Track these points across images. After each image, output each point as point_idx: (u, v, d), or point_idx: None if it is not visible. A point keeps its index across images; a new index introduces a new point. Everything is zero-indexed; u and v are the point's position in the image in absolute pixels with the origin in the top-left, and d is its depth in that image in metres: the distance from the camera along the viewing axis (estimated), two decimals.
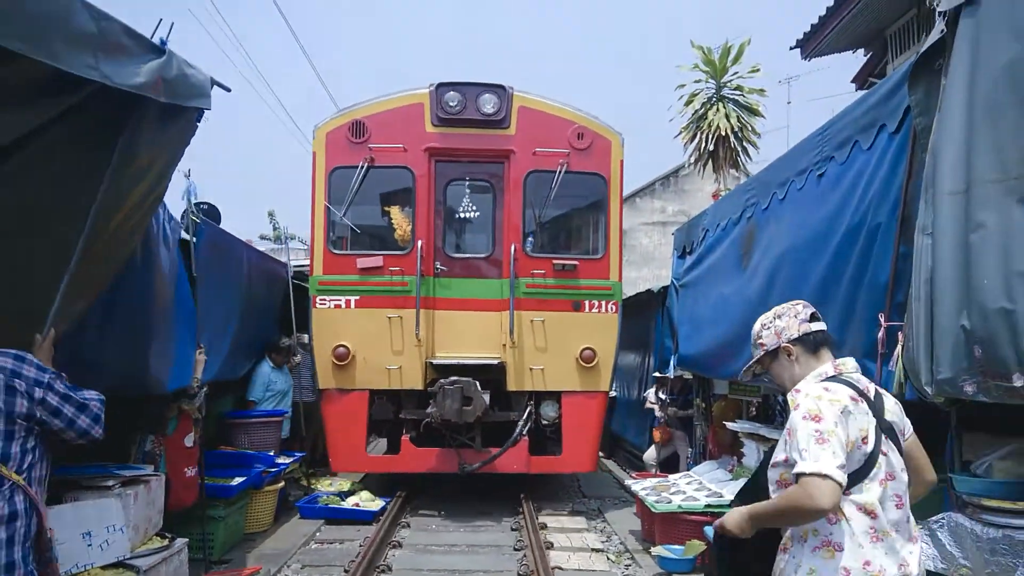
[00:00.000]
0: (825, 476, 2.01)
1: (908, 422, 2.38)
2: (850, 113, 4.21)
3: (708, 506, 5.76)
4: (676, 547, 5.60)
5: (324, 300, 7.04)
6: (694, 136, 12.77)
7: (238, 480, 5.96)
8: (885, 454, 2.21)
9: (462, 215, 7.52)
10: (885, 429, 2.24)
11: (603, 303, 7.23)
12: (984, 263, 2.73)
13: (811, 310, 2.49)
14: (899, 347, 3.31)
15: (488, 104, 7.04)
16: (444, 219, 7.40)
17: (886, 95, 3.77)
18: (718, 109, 12.16)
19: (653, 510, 5.92)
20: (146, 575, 4.40)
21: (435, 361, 7.13)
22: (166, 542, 4.82)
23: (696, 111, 12.58)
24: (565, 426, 7.23)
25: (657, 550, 5.66)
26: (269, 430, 7.19)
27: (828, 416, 2.13)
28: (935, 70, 3.30)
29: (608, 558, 6.08)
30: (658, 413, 8.35)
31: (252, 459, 6.49)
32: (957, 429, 3.25)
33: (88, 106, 2.33)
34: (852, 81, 11.69)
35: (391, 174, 7.10)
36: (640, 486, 6.59)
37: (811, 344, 2.41)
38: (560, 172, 7.08)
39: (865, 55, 11.29)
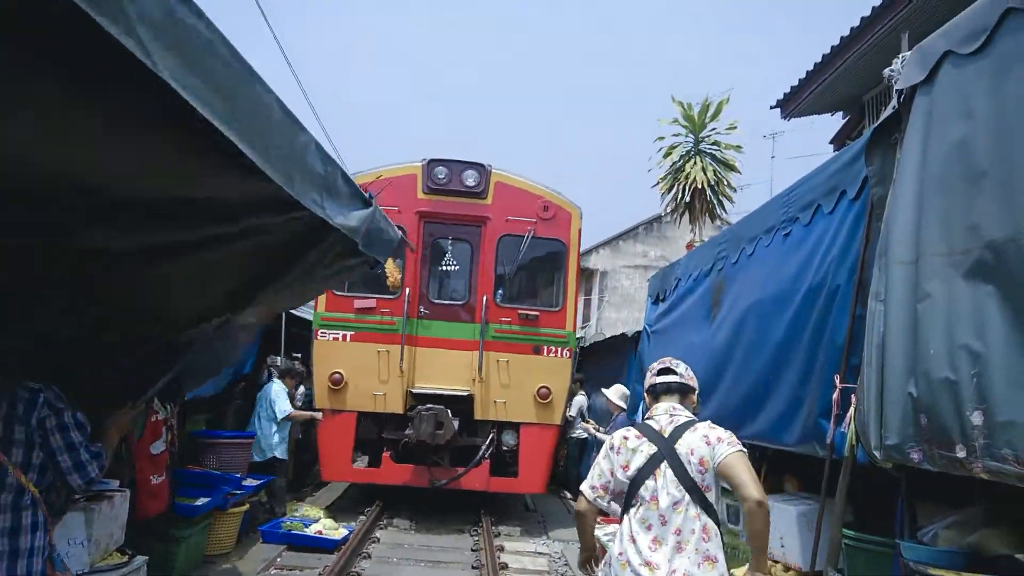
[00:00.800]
0: (582, 492, 3.10)
1: (719, 452, 2.84)
2: (814, 177, 4.42)
3: None
4: None
5: (325, 333, 8.25)
6: (671, 187, 13.11)
7: (203, 500, 5.93)
8: (656, 479, 2.89)
9: (444, 268, 8.73)
10: (670, 459, 2.87)
11: (559, 349, 8.45)
12: (930, 333, 2.83)
13: (664, 365, 3.20)
14: (852, 409, 3.43)
15: (470, 178, 8.40)
16: (428, 270, 8.63)
17: (847, 163, 3.98)
18: (696, 162, 12.53)
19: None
20: None
21: (414, 390, 8.27)
22: (125, 558, 4.79)
23: (674, 163, 12.94)
24: (522, 453, 8.35)
25: None
26: (238, 451, 7.20)
27: (601, 452, 3.14)
28: (891, 143, 3.50)
29: None
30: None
31: (218, 480, 6.47)
32: (907, 495, 3.36)
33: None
34: (830, 142, 12.08)
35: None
36: (603, 532, 6.63)
37: (654, 393, 3.18)
38: (528, 237, 8.39)
39: (843, 118, 11.69)
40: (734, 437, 2.93)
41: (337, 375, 8.12)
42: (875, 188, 3.57)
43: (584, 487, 3.10)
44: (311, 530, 7.07)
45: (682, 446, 2.88)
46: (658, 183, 13.39)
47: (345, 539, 6.96)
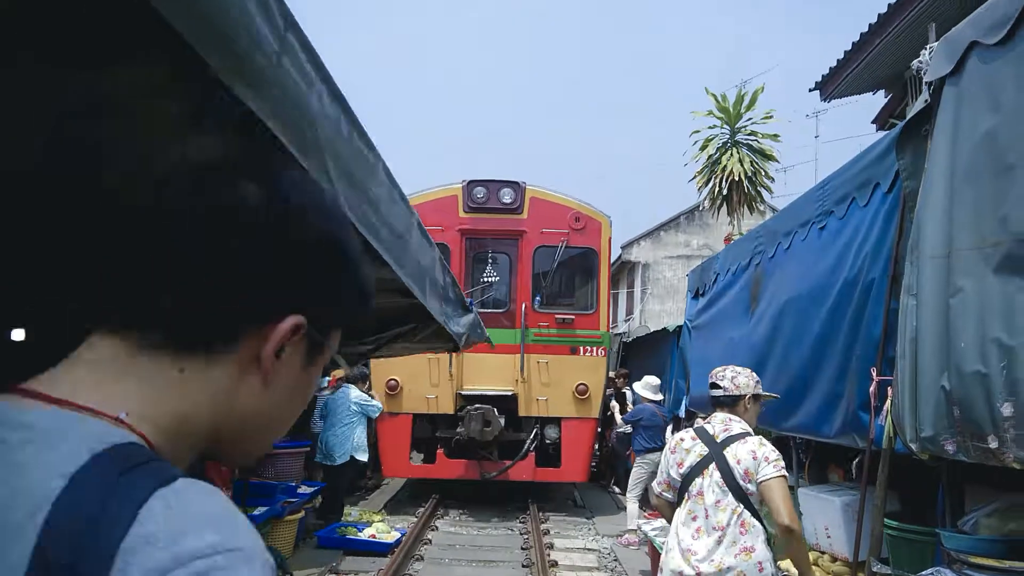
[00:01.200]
0: (652, 489, 3.76)
1: (764, 472, 3.09)
2: (848, 170, 4.38)
3: None
4: None
5: None
6: (708, 180, 12.95)
7: (260, 510, 6.18)
8: (704, 477, 3.21)
9: (485, 279, 9.40)
10: (718, 461, 3.18)
11: (594, 348, 9.15)
12: (962, 327, 2.83)
13: (712, 379, 3.49)
14: (888, 402, 3.42)
15: (506, 196, 9.11)
16: (471, 282, 9.20)
17: (879, 155, 3.93)
18: (732, 154, 12.34)
19: (660, 551, 6.00)
20: None
21: (463, 392, 9.03)
22: None
23: (711, 156, 12.76)
24: (564, 445, 8.98)
25: None
26: (293, 460, 7.53)
27: (664, 452, 3.64)
28: (922, 135, 3.47)
29: None
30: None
31: (274, 489, 6.73)
32: (948, 484, 3.35)
33: None
34: (872, 122, 11.80)
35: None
36: (649, 527, 6.67)
37: (710, 406, 3.56)
38: (561, 247, 9.09)
39: (885, 96, 11.40)
40: (781, 460, 3.17)
41: (393, 381, 8.89)
42: (907, 181, 3.55)
43: (653, 485, 3.78)
44: (365, 534, 7.28)
45: (730, 454, 3.19)
46: (695, 177, 13.25)
47: (398, 542, 7.15)
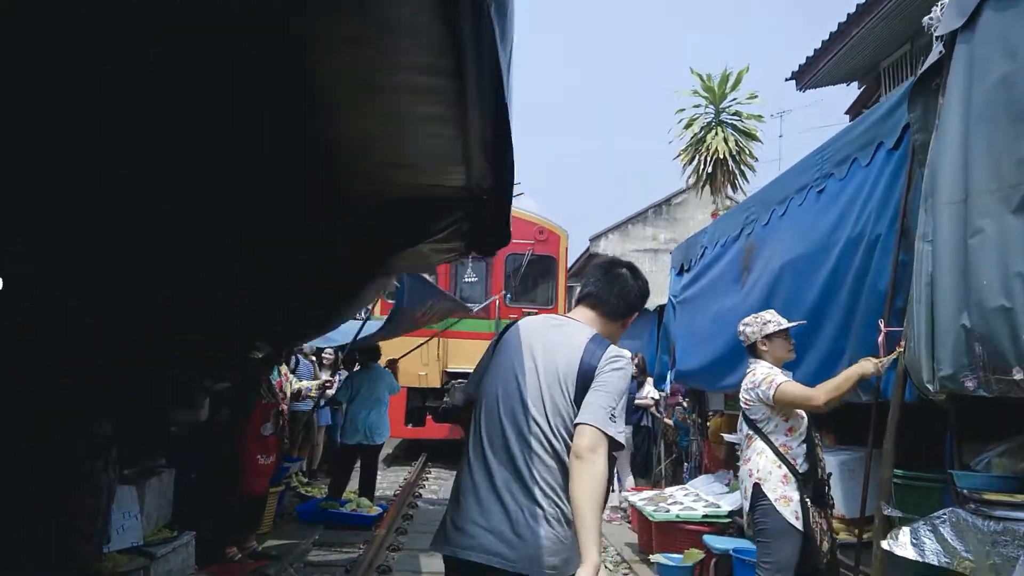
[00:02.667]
0: None
1: (761, 391, 3.82)
2: (848, 133, 4.44)
3: (706, 516, 5.88)
4: (674, 555, 5.70)
5: None
6: (692, 158, 13.09)
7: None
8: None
9: (467, 280, 11.60)
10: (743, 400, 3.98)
11: None
12: (983, 265, 2.89)
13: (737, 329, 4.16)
14: (898, 349, 3.47)
15: None
16: (456, 283, 11.51)
17: (884, 115, 3.99)
18: (716, 133, 12.50)
19: (651, 519, 6.03)
20: (157, 562, 4.48)
21: (448, 369, 11.20)
22: (174, 533, 4.89)
23: (695, 134, 12.91)
24: None
25: (656, 557, 5.76)
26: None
27: None
28: (932, 89, 3.52)
29: (606, 567, 6.17)
30: None
31: None
32: (956, 428, 3.41)
33: None
34: (846, 113, 12.05)
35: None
36: (637, 497, 6.70)
37: None
38: (527, 255, 11.49)
39: (859, 88, 11.65)
40: (769, 375, 3.78)
41: (392, 362, 10.32)
42: (917, 135, 3.59)
43: None
44: (346, 509, 7.16)
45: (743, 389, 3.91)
46: (679, 155, 13.37)
47: (380, 516, 7.04)
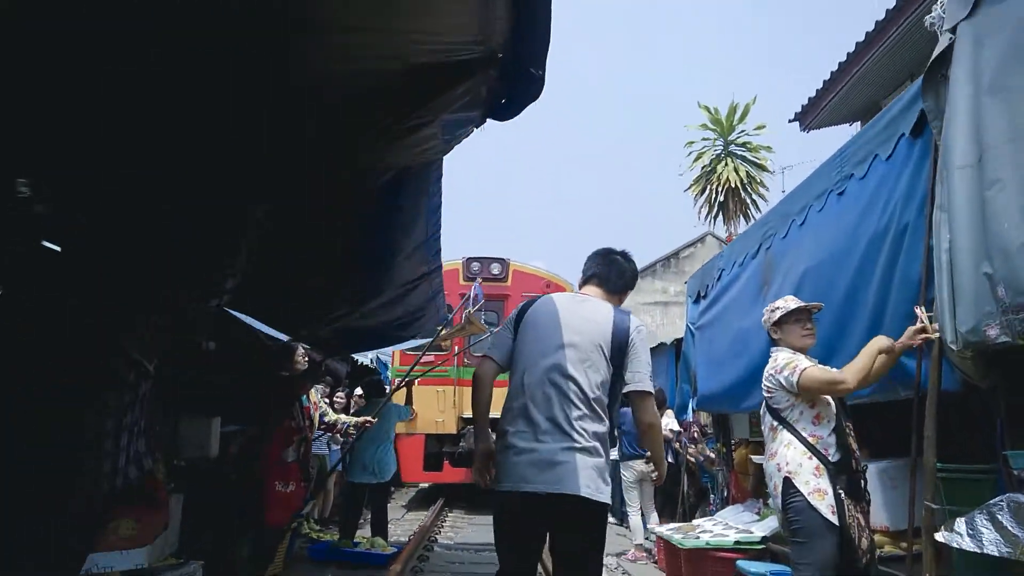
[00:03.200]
0: None
1: (783, 377, 3.59)
2: (867, 132, 4.42)
3: (738, 543, 5.62)
4: None
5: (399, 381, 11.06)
6: (704, 189, 13.15)
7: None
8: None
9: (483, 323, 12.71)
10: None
11: None
12: (1003, 211, 2.89)
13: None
14: (929, 323, 3.38)
15: (495, 268, 12.05)
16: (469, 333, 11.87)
17: (903, 108, 3.97)
18: (726, 164, 12.58)
19: (680, 547, 5.75)
20: None
21: (464, 415, 11.48)
22: (181, 561, 4.68)
23: (705, 167, 13.00)
24: None
25: None
26: None
27: None
28: (942, 78, 3.53)
29: None
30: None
31: None
32: (1007, 412, 3.26)
33: None
34: None
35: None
36: (664, 528, 6.42)
37: None
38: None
39: (862, 127, 11.78)
40: (792, 361, 3.59)
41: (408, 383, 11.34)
42: (934, 123, 3.58)
43: None
44: (359, 548, 6.88)
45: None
46: (690, 187, 13.45)
47: (394, 556, 6.76)
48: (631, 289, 3.29)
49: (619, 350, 2.86)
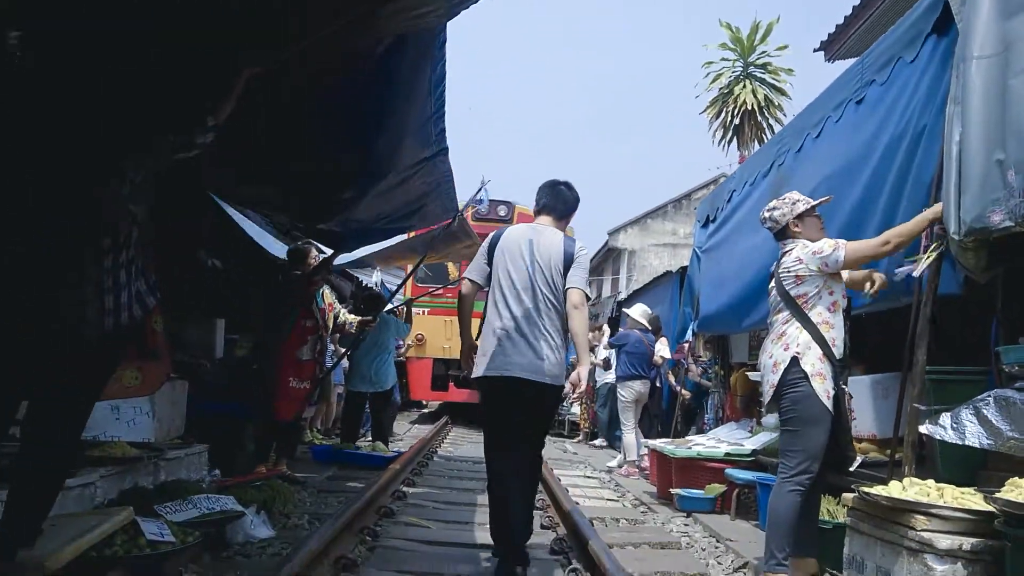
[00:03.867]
0: None
1: (820, 256, 3.52)
2: (889, 37, 4.28)
3: (728, 454, 5.73)
4: (695, 491, 5.54)
5: (415, 310, 11.47)
6: (720, 112, 12.90)
7: None
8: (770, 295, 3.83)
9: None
10: (775, 277, 3.77)
11: None
12: None
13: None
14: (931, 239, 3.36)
15: (502, 210, 12.72)
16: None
17: (928, 7, 3.83)
18: (745, 85, 12.31)
19: (671, 456, 5.88)
20: (168, 463, 4.39)
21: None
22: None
23: (722, 88, 12.74)
24: None
25: (676, 491, 5.60)
26: None
27: None
28: None
29: (624, 505, 6.02)
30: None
31: None
32: (1002, 312, 3.26)
33: None
34: None
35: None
36: (656, 441, 6.55)
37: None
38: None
39: None
40: (825, 244, 3.53)
41: (420, 335, 12.26)
42: (959, 15, 3.46)
43: None
44: (362, 451, 7.08)
45: (781, 268, 3.70)
46: (706, 109, 13.20)
47: (397, 456, 6.93)
48: (574, 211, 3.99)
49: (568, 266, 3.65)
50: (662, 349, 8.30)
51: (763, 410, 6.33)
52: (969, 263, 3.13)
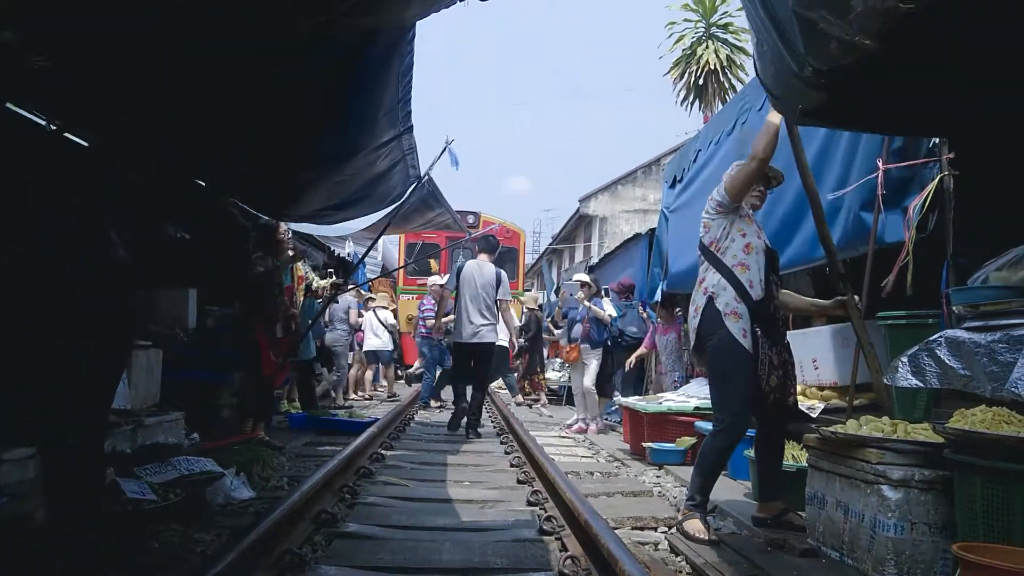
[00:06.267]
0: None
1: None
2: None
3: (697, 408, 5.90)
4: (667, 444, 5.71)
5: (404, 296, 15.65)
6: (683, 74, 12.97)
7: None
8: None
9: (459, 262, 15.43)
10: None
11: (516, 299, 13.44)
12: None
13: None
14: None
15: (471, 219, 15.69)
16: (450, 262, 15.20)
17: None
18: (707, 46, 12.38)
19: (643, 412, 6.03)
20: (146, 429, 4.41)
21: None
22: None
23: (685, 49, 12.80)
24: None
25: (648, 445, 5.76)
26: None
27: None
28: None
29: (598, 461, 6.17)
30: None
31: None
32: (953, 257, 3.39)
33: None
34: None
35: (430, 246, 15.84)
36: (628, 399, 6.71)
37: None
38: (499, 247, 15.91)
39: None
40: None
41: (410, 315, 14.32)
42: None
43: None
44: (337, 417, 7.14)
45: None
46: (669, 70, 13.24)
47: (374, 422, 7.01)
48: (497, 249, 7.58)
49: (499, 285, 7.25)
50: (608, 308, 8.38)
51: (693, 362, 6.53)
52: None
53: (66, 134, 3.68)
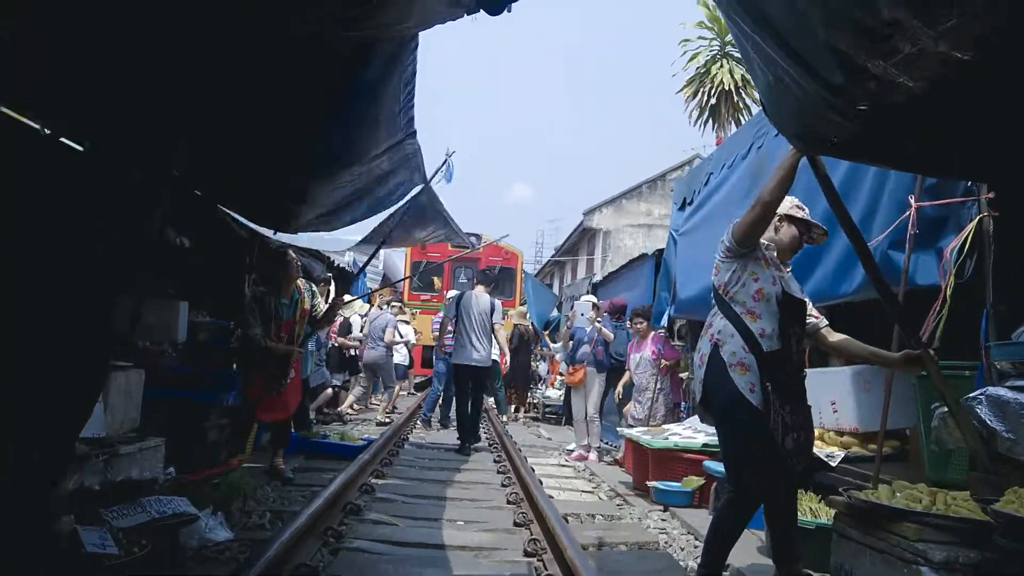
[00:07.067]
0: None
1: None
2: None
3: (706, 445, 5.62)
4: (673, 483, 5.43)
5: (413, 311, 15.59)
6: (696, 93, 12.72)
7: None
8: None
9: (460, 280, 17.21)
10: None
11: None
12: None
13: None
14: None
15: (473, 240, 14.61)
16: (453, 281, 17.29)
17: None
18: (722, 64, 12.12)
19: (648, 447, 5.75)
20: (119, 459, 4.14)
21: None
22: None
23: (699, 67, 12.55)
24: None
25: (653, 484, 5.48)
26: None
27: None
28: None
29: (599, 498, 5.89)
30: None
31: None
32: (994, 305, 3.14)
33: None
34: None
35: (435, 266, 16.99)
36: (633, 430, 6.43)
37: None
38: (497, 266, 17.33)
39: None
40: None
41: (419, 334, 14.44)
42: None
43: None
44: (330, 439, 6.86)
45: None
46: (683, 88, 13.01)
47: (367, 445, 6.73)
48: (493, 281, 9.42)
49: (493, 312, 8.20)
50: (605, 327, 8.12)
51: (698, 417, 6.19)
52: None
53: (61, 139, 3.45)
